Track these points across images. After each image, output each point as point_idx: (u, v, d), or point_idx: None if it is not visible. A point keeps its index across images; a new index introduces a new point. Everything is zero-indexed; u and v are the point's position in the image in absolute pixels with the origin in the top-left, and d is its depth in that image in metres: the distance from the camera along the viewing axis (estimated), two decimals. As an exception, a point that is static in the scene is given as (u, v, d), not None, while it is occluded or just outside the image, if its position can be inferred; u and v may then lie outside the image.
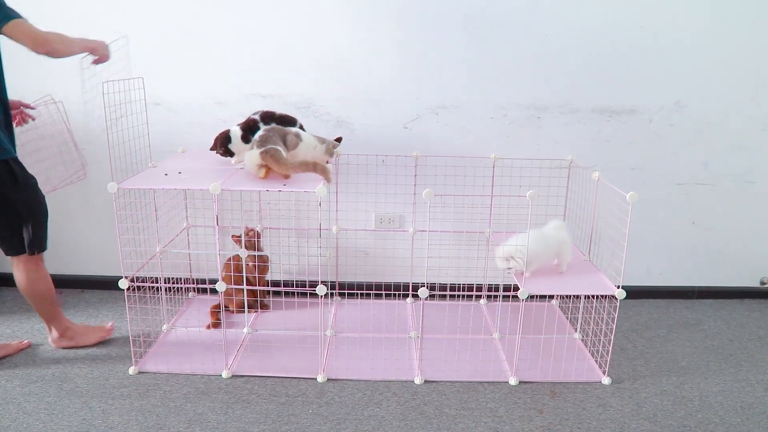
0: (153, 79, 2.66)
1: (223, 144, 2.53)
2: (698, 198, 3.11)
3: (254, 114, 2.62)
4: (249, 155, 2.27)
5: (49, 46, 2.16)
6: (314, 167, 2.20)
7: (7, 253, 2.45)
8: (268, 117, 2.62)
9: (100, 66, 2.40)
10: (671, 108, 2.97)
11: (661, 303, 3.23)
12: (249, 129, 2.53)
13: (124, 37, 2.52)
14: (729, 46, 2.89)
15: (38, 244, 2.44)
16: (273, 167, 2.20)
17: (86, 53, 2.32)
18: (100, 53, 2.36)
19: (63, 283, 3.18)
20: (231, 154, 2.55)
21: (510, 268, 2.38)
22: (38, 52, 2.17)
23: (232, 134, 2.54)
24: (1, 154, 2.27)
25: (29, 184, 2.40)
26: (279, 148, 2.24)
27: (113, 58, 2.43)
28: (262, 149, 2.21)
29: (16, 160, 2.35)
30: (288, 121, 2.66)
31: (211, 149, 2.57)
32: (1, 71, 2.29)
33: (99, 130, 2.78)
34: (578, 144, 2.99)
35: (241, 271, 2.68)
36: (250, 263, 2.64)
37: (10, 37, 2.15)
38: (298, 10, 2.83)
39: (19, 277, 2.48)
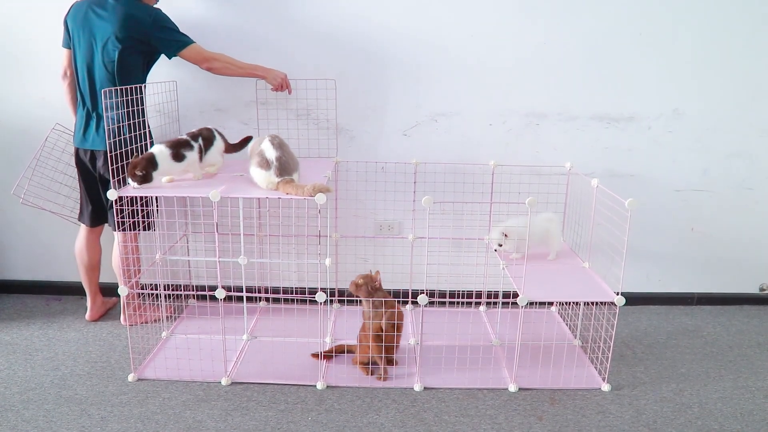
0: (153, 86, 2.67)
1: (145, 169, 2.27)
2: (697, 204, 3.12)
3: (181, 136, 2.46)
4: (267, 177, 2.30)
5: (209, 64, 2.57)
6: (324, 189, 2.25)
7: (122, 229, 2.59)
8: (194, 136, 2.46)
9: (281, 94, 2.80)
10: (670, 115, 2.98)
11: (660, 309, 3.22)
12: (180, 147, 2.37)
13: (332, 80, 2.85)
14: (727, 53, 2.90)
15: (151, 225, 2.77)
16: (290, 192, 2.26)
17: (257, 79, 2.72)
18: (270, 81, 2.70)
19: (63, 290, 3.19)
20: (150, 179, 2.29)
21: (500, 246, 2.55)
22: (202, 68, 2.57)
23: (158, 157, 2.30)
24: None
25: None
26: (294, 177, 2.33)
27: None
28: (281, 179, 2.28)
29: None
30: (208, 131, 2.52)
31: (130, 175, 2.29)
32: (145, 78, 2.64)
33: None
34: (577, 151, 3.00)
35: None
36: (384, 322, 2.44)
37: (185, 59, 2.54)
38: (299, 16, 2.85)
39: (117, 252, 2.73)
